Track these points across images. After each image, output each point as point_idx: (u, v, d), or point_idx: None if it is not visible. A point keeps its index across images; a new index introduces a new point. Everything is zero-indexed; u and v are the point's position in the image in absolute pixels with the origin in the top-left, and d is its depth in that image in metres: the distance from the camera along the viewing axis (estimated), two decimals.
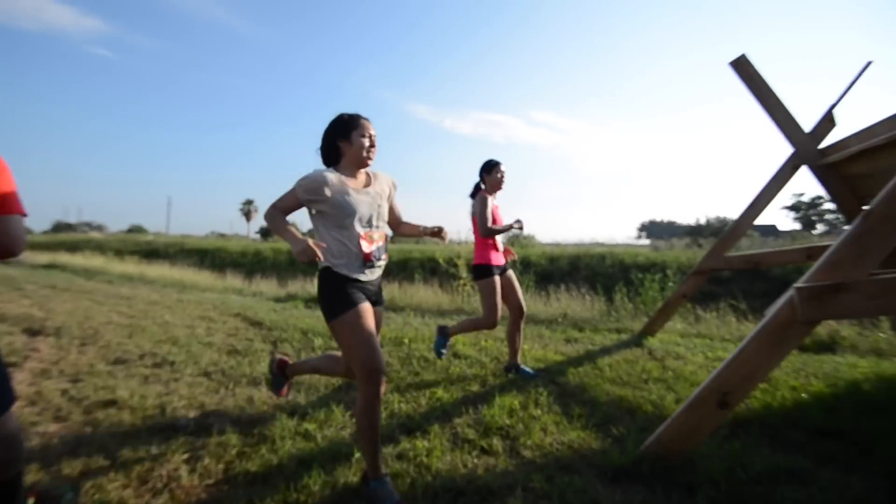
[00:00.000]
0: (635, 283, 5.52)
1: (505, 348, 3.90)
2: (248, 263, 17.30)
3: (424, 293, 7.34)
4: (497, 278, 3.02)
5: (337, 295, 1.66)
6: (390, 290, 7.57)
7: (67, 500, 1.53)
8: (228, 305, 6.24)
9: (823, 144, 3.23)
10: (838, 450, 1.96)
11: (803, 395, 2.53)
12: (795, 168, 3.40)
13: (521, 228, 3.12)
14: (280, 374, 2.22)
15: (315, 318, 5.26)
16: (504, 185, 3.15)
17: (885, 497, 1.62)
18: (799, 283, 1.69)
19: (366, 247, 1.71)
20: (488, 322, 3.01)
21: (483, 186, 3.14)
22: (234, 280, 11.45)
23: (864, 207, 2.17)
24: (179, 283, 9.91)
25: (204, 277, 11.77)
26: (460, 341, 4.06)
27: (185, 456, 1.90)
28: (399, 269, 13.50)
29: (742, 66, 3.63)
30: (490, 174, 3.11)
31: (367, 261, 1.71)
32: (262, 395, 2.63)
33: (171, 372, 3.07)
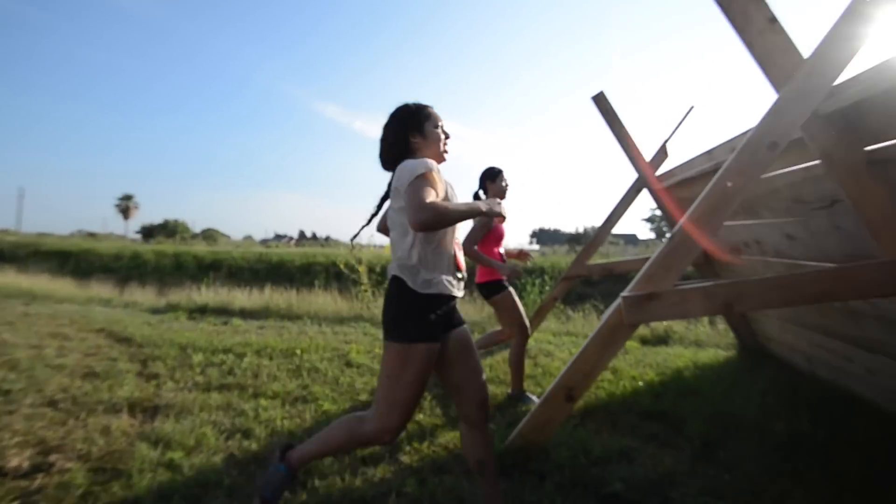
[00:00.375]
0: (517, 287, 5.99)
1: None
2: (122, 269, 15.11)
3: (324, 300, 7.13)
4: (511, 289, 2.82)
5: (420, 316, 1.38)
6: (287, 298, 7.23)
7: None
8: (91, 319, 5.42)
9: (659, 172, 3.85)
10: (660, 429, 2.35)
11: (640, 382, 2.99)
12: (639, 190, 3.99)
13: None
14: (287, 472, 1.54)
15: (198, 332, 4.81)
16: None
17: (686, 467, 1.99)
18: (625, 293, 2.01)
19: (460, 256, 1.53)
20: (522, 337, 2.78)
21: (484, 196, 2.89)
22: (101, 289, 9.94)
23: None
24: (28, 294, 8.34)
25: (62, 286, 10.00)
26: (354, 349, 4.05)
27: None
28: (302, 274, 12.94)
29: (600, 101, 4.16)
30: (495, 182, 2.87)
31: (458, 271, 1.51)
32: (122, 423, 2.36)
33: (4, 403, 2.61)
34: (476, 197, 2.93)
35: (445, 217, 1.30)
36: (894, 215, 1.67)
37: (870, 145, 1.70)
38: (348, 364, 3.63)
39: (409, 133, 1.52)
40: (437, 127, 1.55)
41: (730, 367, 3.40)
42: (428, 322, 1.38)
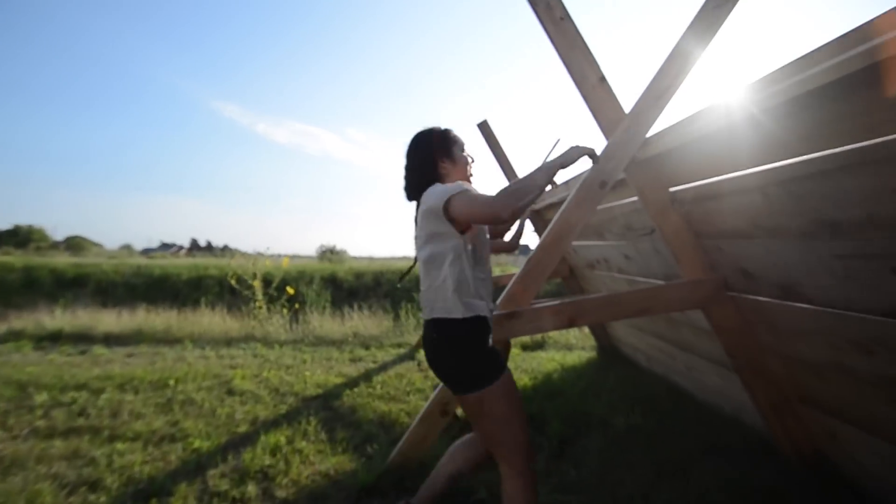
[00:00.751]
0: (416, 300, 6.12)
1: (288, 377, 3.81)
2: None
3: (210, 320, 6.51)
4: None
5: (489, 353, 1.28)
6: (166, 319, 6.48)
7: None
8: None
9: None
10: (531, 431, 2.58)
11: None
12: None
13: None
14: None
15: (45, 365, 4.10)
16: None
17: (544, 466, 2.19)
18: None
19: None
20: None
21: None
22: None
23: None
24: None
25: None
26: (239, 375, 3.78)
27: None
28: (190, 290, 11.64)
29: (484, 128, 4.46)
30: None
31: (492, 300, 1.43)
32: None
33: None
34: None
35: (523, 189, 1.22)
36: (690, 244, 2.05)
37: (673, 187, 2.08)
38: (230, 392, 3.39)
39: (438, 158, 1.46)
40: (463, 151, 1.51)
41: (590, 367, 3.85)
42: (492, 348, 1.30)
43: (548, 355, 4.27)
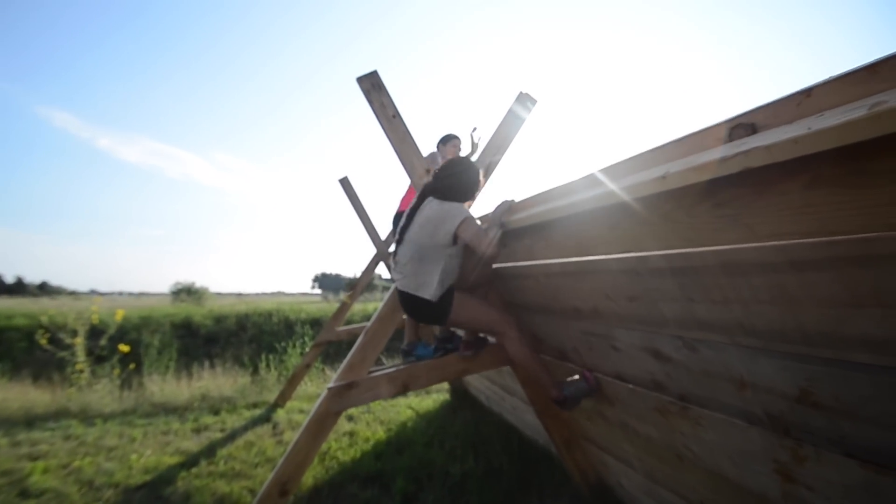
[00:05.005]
0: (278, 351, 5.76)
1: (108, 463, 3.23)
2: None
3: (5, 392, 5.14)
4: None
5: (447, 297, 1.96)
6: None
7: None
8: None
9: (392, 249, 4.46)
10: (373, 494, 2.53)
11: (370, 444, 3.27)
12: (377, 262, 4.52)
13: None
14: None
15: None
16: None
17: None
18: (330, 384, 2.22)
19: None
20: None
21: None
22: None
23: None
24: None
25: None
26: (41, 468, 3.08)
27: None
28: None
29: (346, 185, 4.57)
30: (445, 146, 3.02)
31: None
32: None
33: None
34: None
35: (496, 241, 1.81)
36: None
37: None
38: (23, 494, 2.74)
39: (472, 195, 2.04)
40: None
41: (442, 410, 4.08)
42: (448, 290, 1.96)
43: (407, 401, 4.38)
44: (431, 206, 1.91)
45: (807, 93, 0.76)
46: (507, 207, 1.85)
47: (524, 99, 2.47)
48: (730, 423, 1.30)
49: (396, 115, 2.38)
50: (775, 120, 0.82)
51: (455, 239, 1.87)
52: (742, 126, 0.87)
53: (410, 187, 3.27)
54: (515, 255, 2.04)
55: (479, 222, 1.88)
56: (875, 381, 0.88)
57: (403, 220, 2.06)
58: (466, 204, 2.01)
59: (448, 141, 3.28)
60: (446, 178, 1.96)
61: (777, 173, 0.82)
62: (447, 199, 1.91)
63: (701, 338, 1.23)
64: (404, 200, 3.23)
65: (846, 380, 0.93)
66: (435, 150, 3.28)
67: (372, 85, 2.33)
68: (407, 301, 2.01)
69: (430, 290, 1.91)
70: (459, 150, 3.28)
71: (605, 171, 1.23)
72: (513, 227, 1.78)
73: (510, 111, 2.38)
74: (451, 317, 1.97)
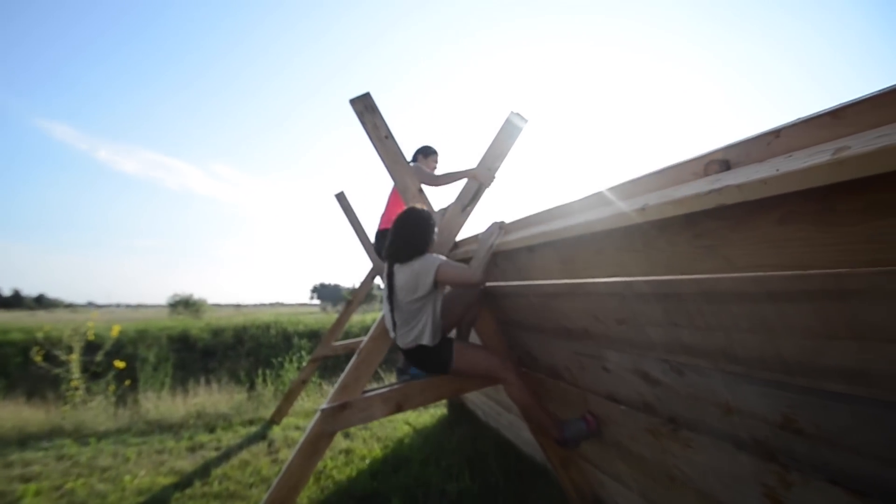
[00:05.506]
0: (275, 366, 5.73)
1: (101, 484, 3.20)
2: None
3: None
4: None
5: (446, 345, 2.05)
6: None
7: None
8: None
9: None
10: None
11: (366, 462, 3.25)
12: (373, 277, 4.52)
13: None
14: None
15: None
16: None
17: None
18: (323, 406, 2.21)
19: None
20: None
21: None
22: None
23: None
24: None
25: None
26: (32, 490, 3.05)
27: None
28: None
29: (342, 200, 4.60)
30: (427, 158, 2.95)
31: None
32: None
33: None
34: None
35: (484, 263, 1.85)
36: (493, 329, 2.41)
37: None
38: None
39: (430, 238, 2.00)
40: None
41: (439, 425, 4.05)
42: (445, 339, 2.07)
43: (404, 417, 4.35)
44: (402, 272, 1.96)
45: (776, 133, 0.78)
46: (497, 230, 1.86)
47: (517, 116, 2.52)
48: (718, 447, 1.31)
49: (389, 135, 2.40)
50: (747, 158, 0.84)
51: (436, 284, 1.93)
52: (717, 162, 0.89)
53: (389, 202, 3.28)
54: (507, 275, 2.05)
55: (452, 263, 1.93)
56: (853, 410, 0.89)
57: (385, 289, 2.14)
58: (430, 249, 2.01)
59: (429, 154, 3.23)
60: (401, 241, 2.00)
61: (751, 208, 0.84)
62: (412, 259, 1.95)
63: (687, 362, 1.24)
64: (384, 218, 3.22)
65: (825, 409, 0.94)
66: (414, 161, 3.21)
67: (365, 107, 2.36)
68: (413, 355, 2.09)
69: (426, 336, 1.99)
70: (437, 164, 3.24)
71: (589, 199, 1.25)
72: (504, 249, 1.79)
73: (507, 121, 2.45)
74: (453, 366, 2.04)
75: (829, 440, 0.97)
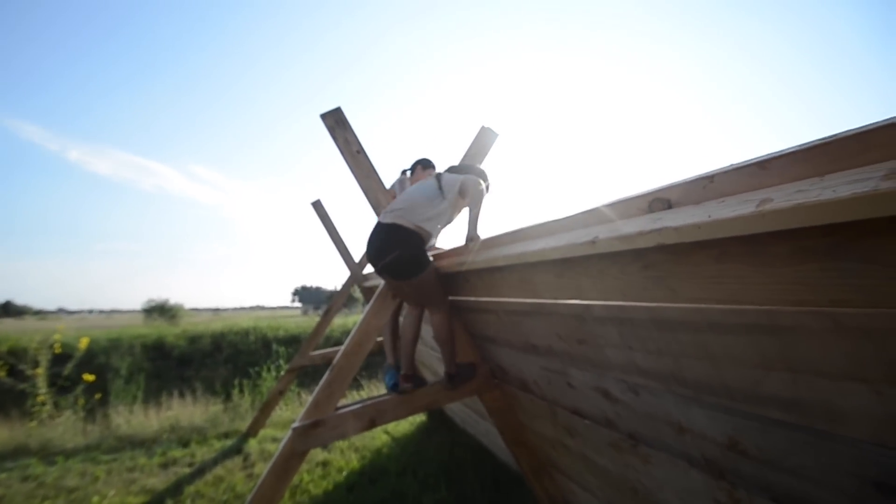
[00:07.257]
0: (252, 376, 5.62)
1: None
2: None
3: None
4: None
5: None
6: None
7: None
8: None
9: (366, 272, 4.44)
10: None
11: (343, 474, 3.22)
12: (351, 285, 4.49)
13: None
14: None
15: None
16: None
17: None
18: (295, 424, 2.19)
19: None
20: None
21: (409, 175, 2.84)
22: None
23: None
24: None
25: None
26: None
27: None
28: None
29: (318, 208, 4.54)
30: (425, 171, 2.77)
31: None
32: None
33: None
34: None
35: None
36: (466, 341, 2.42)
37: (452, 296, 2.45)
38: None
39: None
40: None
41: (418, 434, 4.05)
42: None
43: (384, 426, 4.33)
44: (445, 176, 2.14)
45: (710, 178, 0.81)
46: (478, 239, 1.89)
47: (488, 130, 2.56)
48: (674, 463, 1.35)
49: (361, 150, 2.39)
50: (686, 198, 0.86)
51: (455, 191, 2.07)
52: (660, 200, 0.92)
53: None
54: (477, 291, 2.07)
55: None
56: (790, 436, 0.93)
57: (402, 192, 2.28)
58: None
59: (427, 167, 3.16)
60: (464, 168, 2.30)
61: (692, 246, 0.87)
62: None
63: (641, 383, 1.28)
64: None
65: (766, 433, 0.98)
66: (412, 172, 3.10)
67: (336, 121, 2.35)
68: (388, 233, 2.02)
69: (418, 222, 2.01)
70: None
71: (547, 225, 1.27)
72: (472, 269, 1.81)
73: (483, 127, 2.50)
74: (422, 275, 2.02)
75: (770, 462, 1.01)
